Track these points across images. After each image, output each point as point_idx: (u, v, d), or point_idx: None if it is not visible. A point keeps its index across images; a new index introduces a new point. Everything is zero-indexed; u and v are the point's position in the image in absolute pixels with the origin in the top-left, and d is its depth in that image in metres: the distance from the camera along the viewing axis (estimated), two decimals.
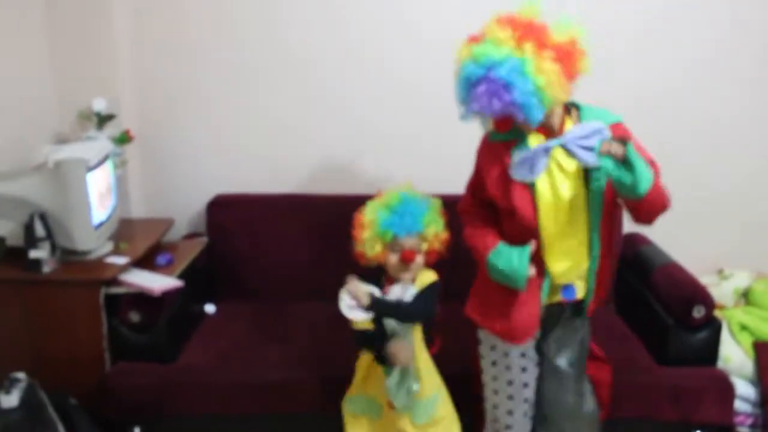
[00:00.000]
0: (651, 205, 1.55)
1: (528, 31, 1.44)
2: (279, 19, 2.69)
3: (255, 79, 2.76)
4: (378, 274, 1.92)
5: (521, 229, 1.62)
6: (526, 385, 1.78)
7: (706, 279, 2.64)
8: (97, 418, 2.10)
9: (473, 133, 2.65)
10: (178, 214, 2.82)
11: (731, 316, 2.52)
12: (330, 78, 2.75)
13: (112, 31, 2.61)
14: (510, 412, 1.78)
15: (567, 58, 1.45)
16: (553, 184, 1.60)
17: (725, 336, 2.39)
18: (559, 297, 1.73)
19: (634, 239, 2.73)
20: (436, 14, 2.67)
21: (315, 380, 2.16)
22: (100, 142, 2.38)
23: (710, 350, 2.23)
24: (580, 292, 1.74)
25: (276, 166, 2.83)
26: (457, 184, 2.63)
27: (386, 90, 2.75)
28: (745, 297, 2.67)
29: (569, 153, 1.56)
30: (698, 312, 2.18)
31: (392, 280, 1.90)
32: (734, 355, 2.39)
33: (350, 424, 1.97)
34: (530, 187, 1.60)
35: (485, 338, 1.80)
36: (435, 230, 1.85)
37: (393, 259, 1.84)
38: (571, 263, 1.66)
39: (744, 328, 2.47)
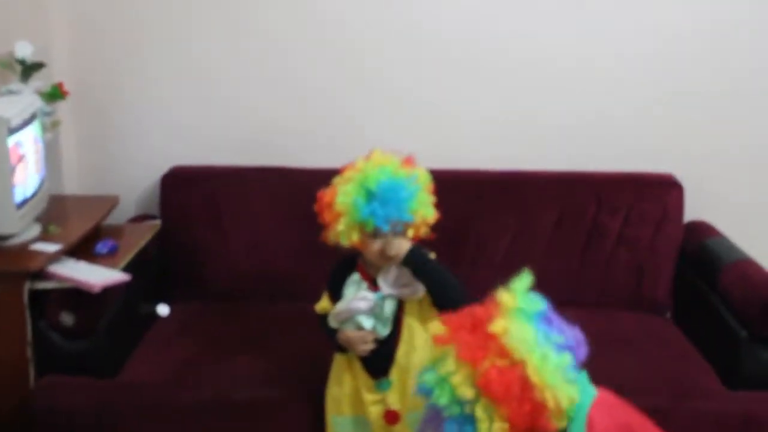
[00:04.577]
0: None
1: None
2: None
3: (225, 20, 2.74)
4: (350, 261, 1.94)
5: None
6: None
7: None
8: None
9: (485, 101, 2.79)
10: (124, 190, 2.81)
11: None
12: (319, 19, 2.74)
13: None
14: None
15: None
16: None
17: None
18: None
19: (698, 229, 2.73)
20: None
21: (293, 399, 2.15)
22: (25, 98, 2.34)
23: None
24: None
25: (247, 131, 2.83)
26: (465, 159, 2.75)
27: (386, 40, 2.75)
28: None
29: None
30: None
31: (364, 268, 1.92)
32: None
33: None
34: None
35: None
36: (423, 215, 1.86)
37: (375, 246, 1.84)
38: None
39: None
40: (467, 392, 1.37)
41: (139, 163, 2.84)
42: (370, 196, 1.79)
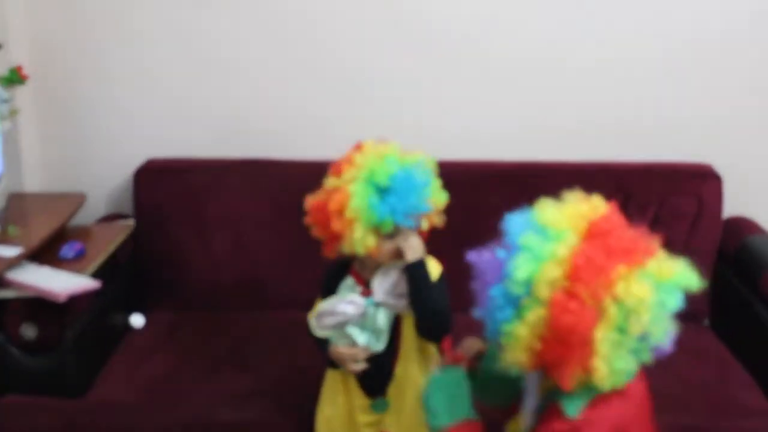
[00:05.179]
0: None
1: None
2: None
3: (203, 1, 2.73)
4: (344, 264, 1.95)
5: None
6: None
7: None
8: None
9: (495, 86, 2.78)
10: (92, 186, 2.82)
11: None
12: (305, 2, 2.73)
13: None
14: None
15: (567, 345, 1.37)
16: None
17: None
18: None
19: (739, 225, 2.72)
20: None
21: (281, 420, 2.15)
22: None
23: None
24: None
25: (230, 120, 2.82)
26: (473, 149, 2.74)
27: (382, 21, 2.74)
28: None
29: None
30: None
31: (358, 274, 1.92)
32: None
33: None
34: None
35: None
36: (436, 201, 1.87)
37: (387, 247, 1.83)
38: None
39: None
40: (543, 292, 1.35)
41: (109, 156, 2.83)
42: (382, 192, 1.77)
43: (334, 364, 1.93)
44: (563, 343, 1.34)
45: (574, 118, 2.78)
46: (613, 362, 1.35)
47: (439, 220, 1.89)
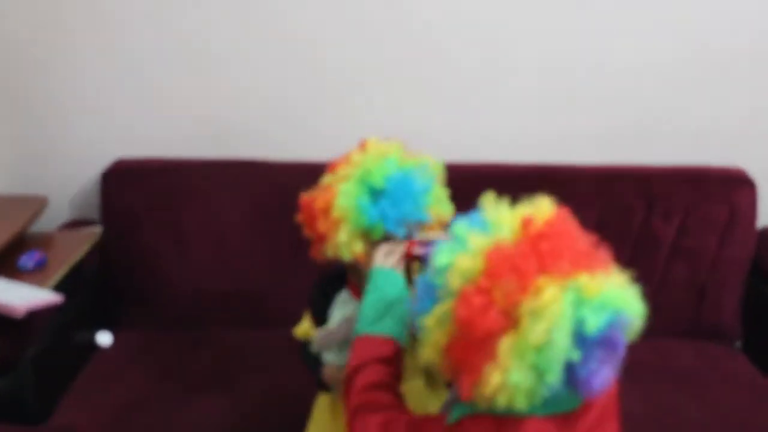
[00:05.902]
0: None
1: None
2: None
3: None
4: (337, 275, 1.94)
5: None
6: None
7: None
8: None
9: (505, 80, 2.80)
10: (55, 189, 2.83)
11: None
12: None
13: None
14: None
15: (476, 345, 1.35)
16: None
17: None
18: None
19: None
20: None
21: None
22: None
23: None
24: None
25: (210, 115, 2.81)
26: (483, 150, 2.80)
27: (376, 23, 2.73)
28: None
29: None
30: None
31: (356, 285, 1.91)
32: None
33: None
34: None
35: None
36: (439, 213, 1.86)
37: None
38: None
39: None
40: (455, 282, 1.34)
41: (74, 155, 2.83)
42: (375, 195, 1.77)
43: (325, 386, 1.92)
44: (464, 341, 1.32)
45: (594, 117, 2.77)
46: (509, 374, 1.29)
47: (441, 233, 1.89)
